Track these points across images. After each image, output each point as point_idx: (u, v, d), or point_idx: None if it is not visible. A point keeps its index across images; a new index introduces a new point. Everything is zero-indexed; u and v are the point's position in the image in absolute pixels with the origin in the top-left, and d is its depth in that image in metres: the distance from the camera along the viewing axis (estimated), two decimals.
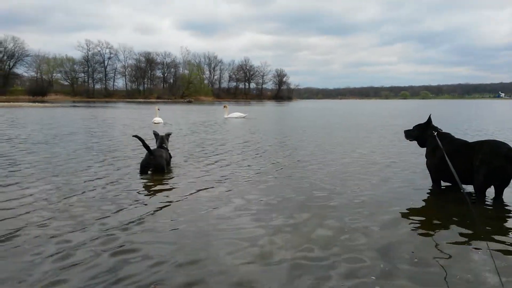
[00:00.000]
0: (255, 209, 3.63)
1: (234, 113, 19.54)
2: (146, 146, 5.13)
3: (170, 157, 5.76)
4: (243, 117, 18.88)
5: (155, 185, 4.54)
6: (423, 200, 4.03)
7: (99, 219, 3.27)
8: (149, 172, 5.18)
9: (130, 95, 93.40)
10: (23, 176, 4.91)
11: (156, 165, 5.16)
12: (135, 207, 3.66)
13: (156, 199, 3.95)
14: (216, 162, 6.20)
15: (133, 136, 5.49)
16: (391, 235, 2.97)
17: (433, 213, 3.57)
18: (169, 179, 4.90)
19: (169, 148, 5.82)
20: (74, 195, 4.00)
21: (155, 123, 15.17)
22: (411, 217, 3.42)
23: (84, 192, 4.16)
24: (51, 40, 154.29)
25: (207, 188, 4.42)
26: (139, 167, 5.27)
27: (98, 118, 17.92)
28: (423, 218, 3.41)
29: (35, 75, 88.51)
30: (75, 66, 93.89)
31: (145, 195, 4.11)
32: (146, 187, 4.49)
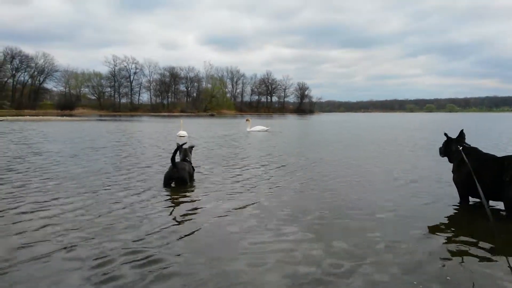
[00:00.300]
0: (279, 222, 3.62)
1: (257, 126, 19.62)
2: (173, 158, 5.20)
3: (193, 170, 5.81)
4: (266, 130, 18.93)
5: (178, 198, 4.59)
6: (451, 216, 3.93)
7: (124, 231, 3.34)
8: (172, 184, 5.25)
9: (154, 109, 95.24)
10: (57, 190, 5.06)
11: (179, 178, 5.23)
12: (160, 218, 3.71)
13: (181, 213, 3.99)
14: (239, 175, 6.23)
15: (177, 144, 5.57)
16: (419, 251, 2.90)
17: (461, 230, 3.47)
18: (192, 192, 4.95)
19: (192, 161, 5.88)
20: (102, 208, 4.10)
21: (180, 136, 15.37)
22: (438, 233, 3.34)
23: (113, 204, 4.25)
24: (80, 56, 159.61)
25: (231, 201, 4.44)
26: (163, 180, 5.35)
27: (125, 132, 18.30)
28: (451, 235, 3.32)
29: (64, 89, 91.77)
30: (102, 81, 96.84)
31: (170, 208, 4.16)
32: (171, 199, 4.54)
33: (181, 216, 3.84)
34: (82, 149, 9.96)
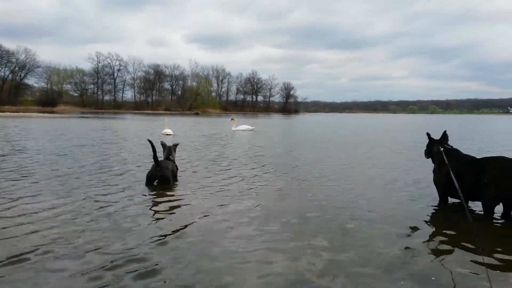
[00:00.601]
0: (273, 228, 3.59)
1: (242, 125, 19.63)
2: (155, 156, 5.14)
3: (177, 169, 5.75)
4: (251, 130, 18.95)
5: (165, 201, 4.52)
6: (430, 217, 4.00)
7: (106, 231, 3.32)
8: (155, 183, 5.21)
9: (138, 107, 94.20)
10: (38, 190, 4.99)
11: (162, 177, 5.17)
12: (151, 224, 3.69)
13: (170, 216, 3.95)
14: (227, 176, 6.22)
15: (148, 140, 5.48)
16: (397, 253, 2.96)
17: (440, 230, 3.55)
18: (177, 193, 4.91)
19: (178, 160, 5.83)
20: (85, 210, 4.06)
21: (167, 134, 15.30)
22: (417, 234, 3.41)
23: (99, 208, 4.22)
24: (65, 52, 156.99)
25: (221, 205, 4.39)
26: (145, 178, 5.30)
27: (109, 130, 18.04)
28: (430, 235, 3.40)
29: (46, 86, 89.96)
30: (85, 77, 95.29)
31: (155, 211, 4.13)
32: (156, 202, 4.48)
33: (165, 214, 3.83)
34: (68, 147, 9.81)
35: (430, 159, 4.82)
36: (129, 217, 3.69)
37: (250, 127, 19.36)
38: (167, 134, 15.25)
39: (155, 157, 5.13)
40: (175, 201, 4.39)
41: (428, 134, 4.81)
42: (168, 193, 4.78)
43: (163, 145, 5.87)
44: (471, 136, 17.26)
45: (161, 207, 4.15)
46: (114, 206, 4.07)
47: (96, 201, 4.27)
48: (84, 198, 4.36)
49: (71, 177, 5.63)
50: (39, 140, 11.63)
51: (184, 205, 4.24)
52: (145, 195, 4.62)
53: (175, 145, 6.06)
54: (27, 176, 5.64)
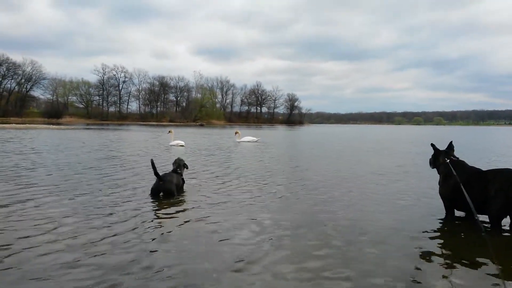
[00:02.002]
0: (280, 242, 3.56)
1: (246, 137, 19.66)
2: (155, 172, 5.19)
3: (183, 182, 5.80)
4: (255, 141, 18.97)
5: (169, 212, 4.52)
6: (437, 229, 3.94)
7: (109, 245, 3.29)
8: (160, 195, 5.22)
9: (143, 118, 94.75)
10: (45, 201, 4.98)
11: (165, 190, 5.23)
12: (155, 230, 3.67)
13: (172, 227, 3.93)
14: (231, 186, 6.20)
15: (151, 160, 5.41)
16: (402, 263, 2.91)
17: (446, 242, 3.49)
18: (182, 204, 4.92)
19: (185, 172, 5.88)
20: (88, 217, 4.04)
21: (180, 145, 15.42)
22: (422, 246, 3.35)
23: (105, 215, 4.20)
24: (71, 64, 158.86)
25: (223, 215, 4.38)
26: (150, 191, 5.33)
27: (118, 143, 18.08)
28: (436, 247, 3.34)
29: (51, 97, 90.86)
30: (90, 89, 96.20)
31: (159, 222, 4.11)
32: (161, 213, 4.48)
33: (175, 233, 3.79)
34: (99, 159, 9.83)
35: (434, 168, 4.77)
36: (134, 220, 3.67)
37: (255, 139, 19.37)
38: (181, 145, 15.36)
39: (156, 173, 5.19)
40: (181, 212, 4.37)
41: (432, 145, 4.75)
42: (174, 204, 4.78)
43: (178, 161, 5.90)
44: (491, 147, 17.10)
45: (170, 223, 4.11)
46: (116, 216, 4.04)
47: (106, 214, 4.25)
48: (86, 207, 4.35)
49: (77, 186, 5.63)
50: (62, 152, 11.66)
51: (189, 217, 4.21)
52: (147, 207, 4.60)
53: (185, 165, 6.03)
54: (67, 191, 5.64)
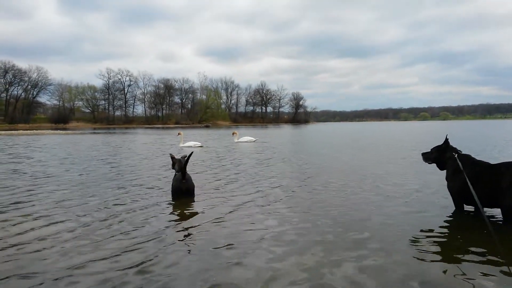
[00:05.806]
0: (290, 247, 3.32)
1: (244, 137, 19.73)
2: (185, 167, 5.00)
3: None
4: (253, 141, 19.02)
5: (186, 212, 4.50)
6: (446, 225, 3.89)
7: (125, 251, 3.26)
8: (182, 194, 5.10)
9: (149, 121, 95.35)
10: (57, 201, 5.13)
11: (188, 188, 5.09)
12: (171, 233, 3.69)
13: (189, 228, 3.89)
14: (234, 188, 6.13)
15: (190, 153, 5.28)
16: (411, 261, 2.90)
17: (456, 238, 3.47)
18: (193, 205, 4.85)
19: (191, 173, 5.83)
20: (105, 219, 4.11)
21: (197, 146, 15.58)
22: (432, 243, 3.33)
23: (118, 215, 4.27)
24: (78, 70, 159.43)
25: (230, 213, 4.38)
26: (170, 192, 5.24)
27: (128, 147, 17.96)
28: (445, 244, 3.32)
29: (58, 103, 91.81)
30: (96, 94, 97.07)
31: (176, 223, 4.09)
32: (178, 213, 4.45)
33: (190, 233, 3.76)
34: (85, 160, 9.96)
35: (431, 164, 4.72)
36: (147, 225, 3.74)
37: (253, 139, 19.43)
38: (199, 146, 15.58)
39: (184, 167, 5.02)
40: (193, 215, 4.38)
41: (446, 140, 4.53)
42: (190, 205, 4.76)
43: (173, 157, 5.63)
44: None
45: (187, 223, 4.13)
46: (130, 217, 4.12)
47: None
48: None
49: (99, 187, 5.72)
50: (83, 158, 11.78)
51: (196, 215, 4.26)
52: (167, 208, 4.67)
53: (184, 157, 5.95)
54: (94, 196, 5.52)
